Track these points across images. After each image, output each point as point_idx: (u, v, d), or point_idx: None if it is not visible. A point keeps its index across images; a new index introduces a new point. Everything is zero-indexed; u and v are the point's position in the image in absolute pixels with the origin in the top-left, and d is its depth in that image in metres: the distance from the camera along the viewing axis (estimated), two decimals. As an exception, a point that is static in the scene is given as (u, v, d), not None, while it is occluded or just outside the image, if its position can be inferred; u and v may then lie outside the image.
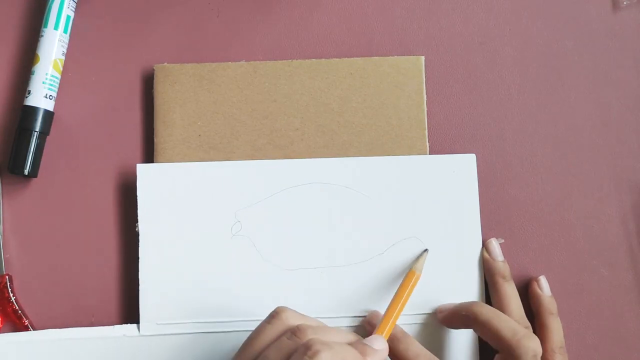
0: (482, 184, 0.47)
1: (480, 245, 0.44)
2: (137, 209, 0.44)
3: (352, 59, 0.46)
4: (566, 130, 0.47)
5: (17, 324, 0.44)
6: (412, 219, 0.44)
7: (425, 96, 0.46)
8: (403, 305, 0.41)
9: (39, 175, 0.45)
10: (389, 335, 0.40)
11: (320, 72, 0.46)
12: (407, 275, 0.42)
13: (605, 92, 0.48)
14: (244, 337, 0.40)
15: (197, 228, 0.44)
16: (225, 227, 0.44)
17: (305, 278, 0.44)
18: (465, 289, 0.44)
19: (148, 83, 0.47)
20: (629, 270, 0.46)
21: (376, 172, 0.45)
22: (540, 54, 0.48)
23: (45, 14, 0.46)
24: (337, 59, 0.46)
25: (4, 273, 0.45)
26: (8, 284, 0.44)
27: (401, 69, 0.46)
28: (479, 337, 0.44)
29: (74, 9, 0.47)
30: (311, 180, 0.44)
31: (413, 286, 0.42)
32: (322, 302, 0.44)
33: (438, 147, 0.47)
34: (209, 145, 0.45)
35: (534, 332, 0.44)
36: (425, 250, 0.44)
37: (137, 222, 0.44)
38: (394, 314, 0.40)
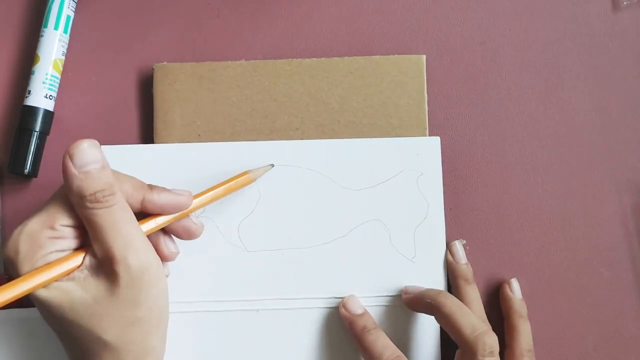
0: (482, 184, 0.47)
1: (444, 228, 0.45)
2: None
3: (352, 58, 0.46)
4: (566, 130, 0.47)
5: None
6: (375, 202, 0.44)
7: (426, 95, 0.46)
8: (221, 192, 0.41)
9: (39, 175, 0.45)
10: (198, 202, 0.39)
11: (320, 72, 0.46)
12: (242, 174, 0.42)
13: (605, 92, 0.48)
14: (204, 317, 0.43)
15: None
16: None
17: (267, 259, 0.44)
18: (428, 273, 0.44)
19: (148, 82, 0.47)
20: (629, 270, 0.46)
21: (339, 154, 0.45)
22: (540, 54, 0.48)
23: (45, 14, 0.46)
24: (338, 58, 0.46)
25: (4, 273, 0.45)
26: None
27: (402, 68, 0.46)
28: None
29: (74, 9, 0.47)
30: (275, 162, 0.45)
31: (239, 185, 0.42)
32: (284, 283, 0.44)
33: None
34: (209, 145, 0.45)
35: (503, 334, 0.44)
36: (272, 165, 0.44)
37: None
38: (212, 194, 0.40)
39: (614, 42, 0.48)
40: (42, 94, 0.45)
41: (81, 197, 0.34)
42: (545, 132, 0.47)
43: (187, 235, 0.40)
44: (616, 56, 0.48)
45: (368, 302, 0.44)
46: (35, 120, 0.44)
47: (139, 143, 0.46)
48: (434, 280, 0.44)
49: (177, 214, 0.38)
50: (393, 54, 0.47)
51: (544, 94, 0.48)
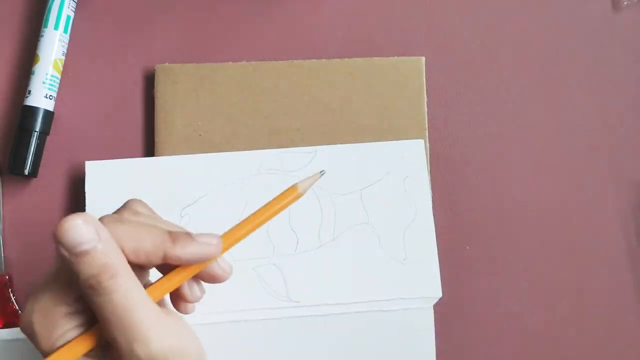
0: (482, 185, 0.47)
1: (433, 229, 0.44)
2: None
3: (352, 59, 0.46)
4: (566, 130, 0.47)
5: (18, 324, 0.44)
6: (363, 205, 0.44)
7: (425, 97, 0.46)
8: (268, 216, 0.35)
9: (38, 175, 0.45)
10: (235, 240, 0.35)
11: (320, 72, 0.46)
12: (288, 189, 0.35)
13: (605, 92, 0.48)
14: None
15: None
16: (172, 221, 0.43)
17: (255, 268, 0.43)
18: (420, 275, 0.44)
19: (149, 83, 0.47)
20: (629, 270, 0.46)
21: (325, 159, 0.45)
22: (540, 54, 0.48)
23: (45, 14, 0.46)
24: (338, 59, 0.46)
25: (4, 273, 0.45)
26: (8, 284, 0.44)
27: (402, 69, 0.46)
28: (435, 326, 0.43)
29: (74, 9, 0.47)
30: (260, 170, 0.44)
31: (289, 203, 0.35)
32: (274, 291, 0.43)
33: (439, 147, 0.47)
34: (210, 145, 0.45)
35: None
36: (321, 171, 0.37)
37: None
38: (254, 221, 0.35)
39: (614, 42, 0.48)
40: (42, 94, 0.45)
41: (78, 280, 0.29)
42: (545, 132, 0.47)
43: (213, 280, 0.35)
44: (616, 56, 0.48)
45: (361, 307, 0.43)
46: (35, 120, 0.44)
47: (140, 143, 0.46)
48: (427, 281, 0.44)
49: (203, 264, 0.33)
50: (393, 56, 0.47)
51: (544, 94, 0.48)
